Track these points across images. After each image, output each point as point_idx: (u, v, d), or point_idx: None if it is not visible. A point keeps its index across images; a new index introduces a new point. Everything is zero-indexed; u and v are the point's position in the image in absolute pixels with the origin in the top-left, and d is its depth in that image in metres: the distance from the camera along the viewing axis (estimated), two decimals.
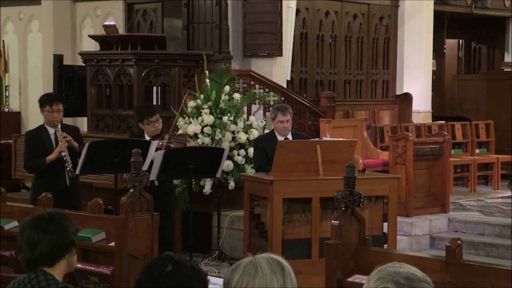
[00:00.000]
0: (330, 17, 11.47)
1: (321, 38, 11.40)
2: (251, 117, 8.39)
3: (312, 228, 6.41)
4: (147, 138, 7.08)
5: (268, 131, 8.26)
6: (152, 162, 6.67)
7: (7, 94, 13.05)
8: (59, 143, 6.72)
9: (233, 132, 8.07)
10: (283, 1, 10.05)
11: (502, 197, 10.02)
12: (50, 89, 10.37)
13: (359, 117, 10.64)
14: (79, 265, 4.67)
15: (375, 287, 2.15)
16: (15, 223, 5.33)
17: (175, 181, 7.90)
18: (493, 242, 8.28)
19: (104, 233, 4.97)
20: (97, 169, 6.96)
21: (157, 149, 6.78)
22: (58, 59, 10.08)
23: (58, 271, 3.09)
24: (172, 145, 7.05)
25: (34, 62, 12.65)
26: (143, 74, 8.89)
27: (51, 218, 3.12)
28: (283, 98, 9.41)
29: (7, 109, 13.03)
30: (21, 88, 12.98)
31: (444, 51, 14.24)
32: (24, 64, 12.92)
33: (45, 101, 6.84)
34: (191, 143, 7.31)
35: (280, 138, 7.02)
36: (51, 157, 6.71)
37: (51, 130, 6.82)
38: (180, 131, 8.05)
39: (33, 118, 12.46)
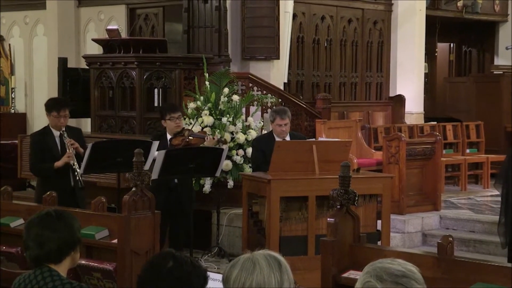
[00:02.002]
0: (326, 22, 11.47)
1: (317, 42, 11.40)
2: (249, 118, 8.40)
3: (308, 225, 6.41)
4: (169, 136, 7.04)
5: (265, 131, 8.27)
6: (153, 162, 6.67)
7: (13, 96, 13.05)
8: (67, 150, 6.63)
9: (232, 133, 8.07)
10: (281, 6, 10.05)
11: (491, 196, 10.02)
12: (55, 91, 10.36)
13: (353, 118, 10.64)
14: (83, 261, 4.67)
15: (362, 280, 2.18)
16: (20, 221, 5.32)
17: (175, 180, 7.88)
18: (483, 239, 8.28)
19: (107, 230, 4.96)
20: (100, 168, 6.94)
21: (174, 146, 6.80)
22: (62, 62, 10.08)
23: (63, 268, 3.09)
24: (191, 140, 7.00)
25: (40, 65, 12.64)
26: (145, 77, 8.89)
27: (58, 216, 3.11)
28: (280, 100, 9.41)
29: (13, 111, 13.03)
30: (26, 90, 12.98)
31: (436, 54, 14.25)
32: (30, 67, 12.91)
33: (52, 106, 6.74)
34: (209, 136, 7.25)
35: (278, 139, 7.02)
36: (59, 164, 6.62)
37: (56, 133, 6.75)
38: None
39: (39, 119, 12.45)
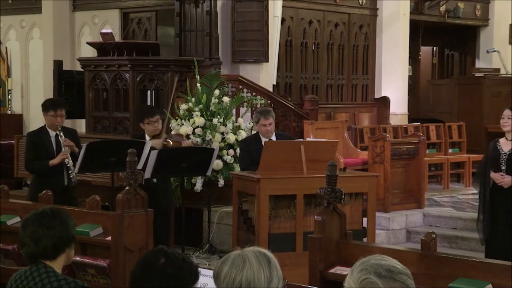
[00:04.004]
0: (313, 26, 11.48)
1: (305, 45, 11.41)
2: (239, 119, 8.39)
3: (296, 223, 6.41)
4: (147, 138, 7.01)
5: (255, 132, 8.26)
6: (146, 161, 6.64)
7: (10, 98, 13.00)
8: (63, 149, 6.63)
9: (222, 133, 8.06)
10: (269, 11, 10.06)
11: (473, 194, 10.03)
12: (50, 93, 10.32)
13: (340, 119, 10.65)
14: (78, 258, 4.66)
15: (358, 278, 2.14)
16: (17, 219, 5.30)
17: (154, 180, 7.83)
18: (464, 235, 8.31)
19: (101, 228, 4.95)
20: (95, 168, 6.92)
21: (152, 149, 6.75)
22: (58, 64, 10.04)
23: (58, 264, 3.08)
24: (171, 143, 6.98)
25: (35, 68, 12.60)
26: (138, 79, 8.87)
27: (54, 214, 3.10)
28: (269, 102, 9.41)
29: (10, 112, 12.97)
30: (23, 92, 12.93)
31: (420, 57, 14.29)
32: (26, 69, 12.86)
33: (49, 106, 6.72)
34: (186, 141, 7.25)
35: (264, 139, 7.01)
36: (54, 161, 6.61)
37: (52, 133, 6.73)
38: (172, 132, 8.03)
39: (34, 120, 12.41)
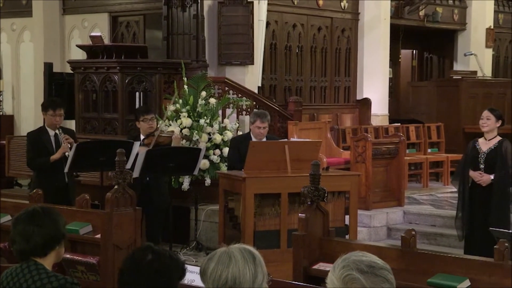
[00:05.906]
0: (297, 29, 11.49)
1: (289, 48, 11.41)
2: (226, 120, 8.38)
3: (281, 220, 6.41)
4: (142, 137, 6.99)
5: (241, 132, 8.26)
6: (135, 161, 6.62)
7: (1, 99, 12.91)
8: (62, 144, 6.69)
9: (209, 134, 8.05)
10: (255, 15, 10.06)
11: (451, 192, 10.08)
12: (41, 95, 10.27)
13: (323, 120, 10.66)
14: (68, 255, 4.64)
15: (340, 275, 2.14)
16: (8, 217, 5.27)
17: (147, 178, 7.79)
18: (443, 232, 8.34)
19: (91, 226, 4.93)
20: (84, 167, 6.92)
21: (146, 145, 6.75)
22: (48, 67, 9.98)
23: (48, 262, 3.06)
24: (160, 138, 6.94)
25: (26, 70, 12.52)
26: (126, 81, 8.84)
27: (45, 212, 3.08)
28: (254, 103, 9.41)
29: (1, 113, 12.89)
30: (14, 93, 12.85)
31: (400, 60, 14.34)
32: (17, 72, 12.78)
33: (49, 106, 6.81)
34: (175, 135, 7.23)
35: (255, 140, 6.99)
36: (55, 156, 6.69)
37: (51, 132, 6.81)
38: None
39: (26, 121, 12.35)
